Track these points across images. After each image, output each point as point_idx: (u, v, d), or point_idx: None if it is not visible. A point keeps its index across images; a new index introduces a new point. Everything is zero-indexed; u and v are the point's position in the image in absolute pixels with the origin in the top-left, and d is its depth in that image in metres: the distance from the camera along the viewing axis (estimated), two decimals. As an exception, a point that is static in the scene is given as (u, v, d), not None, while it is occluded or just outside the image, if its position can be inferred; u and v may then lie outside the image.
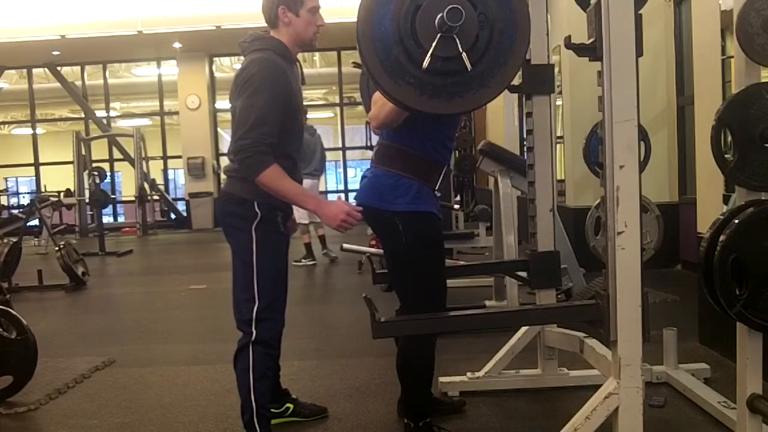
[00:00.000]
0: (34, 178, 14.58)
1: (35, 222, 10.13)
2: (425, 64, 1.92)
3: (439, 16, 1.88)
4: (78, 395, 3.42)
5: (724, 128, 2.23)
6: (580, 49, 2.14)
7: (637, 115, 2.00)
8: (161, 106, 14.47)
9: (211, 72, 13.89)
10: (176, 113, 14.09)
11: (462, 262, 5.28)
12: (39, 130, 15.66)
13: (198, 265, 8.42)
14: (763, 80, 2.24)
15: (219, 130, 14.29)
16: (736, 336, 2.29)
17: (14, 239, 6.66)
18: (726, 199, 3.47)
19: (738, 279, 2.12)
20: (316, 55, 14.40)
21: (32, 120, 14.67)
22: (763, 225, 2.12)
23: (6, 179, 19.24)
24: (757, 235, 2.11)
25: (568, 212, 6.16)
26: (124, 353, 4.15)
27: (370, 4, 1.97)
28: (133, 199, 12.94)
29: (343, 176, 15.56)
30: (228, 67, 14.76)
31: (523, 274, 3.38)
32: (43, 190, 13.28)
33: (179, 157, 13.75)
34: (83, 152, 12.48)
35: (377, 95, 2.41)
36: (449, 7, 1.86)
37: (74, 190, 12.24)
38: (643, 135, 4.33)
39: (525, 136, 2.98)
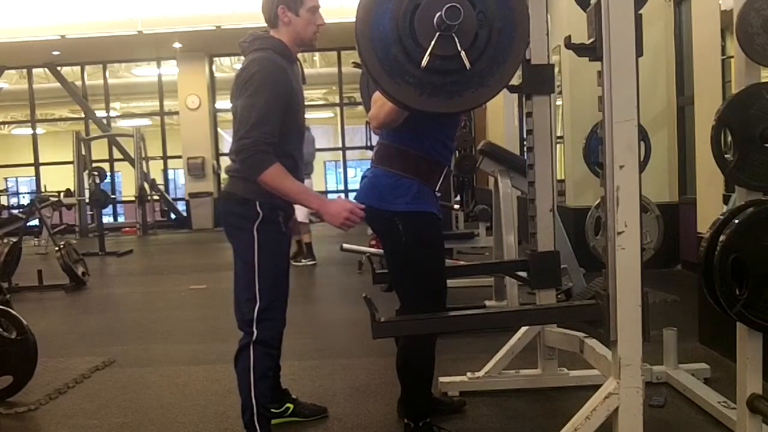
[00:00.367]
0: (34, 178, 14.58)
1: (35, 222, 10.12)
2: (424, 63, 1.92)
3: (437, 14, 1.88)
4: (78, 395, 3.41)
5: (724, 128, 2.23)
6: (580, 49, 2.14)
7: (637, 115, 2.00)
8: (161, 106, 14.46)
9: (211, 72, 13.89)
10: (176, 113, 14.08)
11: (462, 262, 5.28)
12: (39, 130, 15.66)
13: (198, 265, 8.42)
14: (763, 80, 2.24)
15: (219, 130, 14.29)
16: (736, 336, 2.29)
17: (14, 239, 6.66)
18: (726, 199, 3.47)
19: (738, 279, 2.12)
20: (316, 55, 14.40)
21: (32, 120, 14.66)
22: (763, 225, 2.12)
23: (6, 179, 19.24)
24: (757, 235, 2.11)
25: (568, 212, 6.16)
26: (124, 353, 4.15)
27: (369, 4, 1.97)
28: (133, 199, 12.94)
29: (343, 176, 15.56)
30: (228, 67, 14.77)
31: (523, 274, 3.38)
32: (43, 190, 13.28)
33: (179, 157, 13.75)
34: (83, 152, 12.47)
35: (377, 95, 2.40)
36: (448, 6, 1.85)
37: (74, 190, 12.24)
38: (643, 135, 4.33)
39: (525, 136, 2.98)
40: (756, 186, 2.21)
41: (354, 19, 1.97)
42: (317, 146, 7.93)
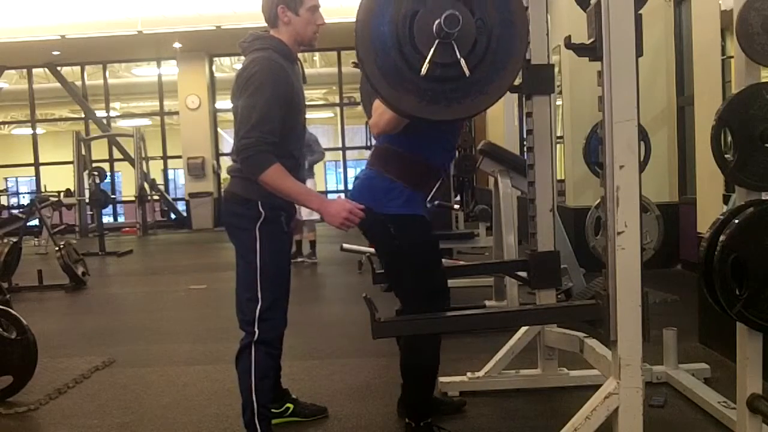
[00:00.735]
0: (34, 178, 14.57)
1: (35, 222, 10.12)
2: (424, 70, 1.91)
3: (437, 22, 1.87)
4: (78, 395, 3.41)
5: (724, 128, 2.23)
6: (580, 49, 2.14)
7: (637, 115, 2.00)
8: (161, 106, 14.46)
9: (211, 72, 13.88)
10: (176, 113, 14.08)
11: (462, 262, 5.28)
12: (39, 130, 15.66)
13: (198, 265, 8.42)
14: (763, 80, 2.24)
15: (219, 130, 14.29)
16: (736, 336, 2.29)
17: (14, 239, 6.66)
18: (726, 199, 3.47)
19: (738, 279, 2.12)
20: (316, 55, 14.40)
21: (32, 120, 14.66)
22: (763, 225, 2.12)
23: (6, 179, 19.25)
24: (757, 235, 2.11)
25: (568, 212, 6.16)
26: (124, 353, 4.15)
27: (370, 4, 1.97)
28: (133, 199, 12.93)
29: (343, 176, 15.55)
30: (228, 67, 14.77)
31: (523, 274, 3.38)
32: (43, 190, 13.28)
33: (179, 157, 13.75)
34: (83, 152, 12.47)
35: (377, 102, 2.40)
36: (446, 13, 1.85)
37: (74, 190, 12.24)
38: (643, 135, 4.33)
39: (525, 136, 2.98)
40: (756, 186, 2.21)
41: (354, 20, 1.97)
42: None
